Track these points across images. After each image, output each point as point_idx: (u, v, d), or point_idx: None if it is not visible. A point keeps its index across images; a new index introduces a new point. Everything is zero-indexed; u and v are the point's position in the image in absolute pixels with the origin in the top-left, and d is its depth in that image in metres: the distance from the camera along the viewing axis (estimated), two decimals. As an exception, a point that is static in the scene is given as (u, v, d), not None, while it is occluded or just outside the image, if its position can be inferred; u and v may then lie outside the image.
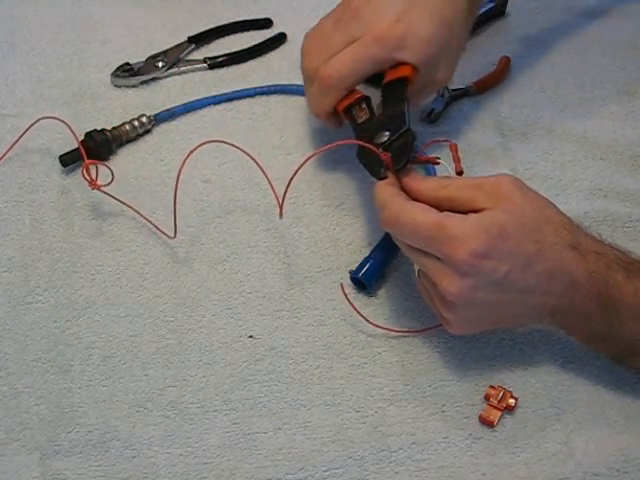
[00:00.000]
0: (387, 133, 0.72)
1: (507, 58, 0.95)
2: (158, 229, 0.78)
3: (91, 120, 0.88)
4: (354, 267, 0.76)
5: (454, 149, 0.77)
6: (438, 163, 0.73)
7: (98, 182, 0.77)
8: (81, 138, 0.85)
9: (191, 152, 0.75)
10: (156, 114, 0.89)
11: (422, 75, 0.76)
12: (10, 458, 0.66)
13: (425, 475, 0.65)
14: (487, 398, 0.68)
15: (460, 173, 0.76)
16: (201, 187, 0.84)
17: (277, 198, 0.74)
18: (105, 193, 0.77)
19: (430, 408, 0.68)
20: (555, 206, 0.67)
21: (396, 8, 0.75)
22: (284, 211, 0.74)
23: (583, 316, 0.65)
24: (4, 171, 0.84)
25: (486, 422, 0.67)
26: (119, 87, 0.93)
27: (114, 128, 0.86)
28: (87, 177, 0.77)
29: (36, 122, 0.83)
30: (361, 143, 0.72)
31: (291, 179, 0.71)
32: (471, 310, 0.65)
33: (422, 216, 0.64)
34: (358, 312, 0.72)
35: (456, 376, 0.70)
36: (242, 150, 0.76)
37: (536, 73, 0.94)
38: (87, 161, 0.77)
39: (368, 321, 0.72)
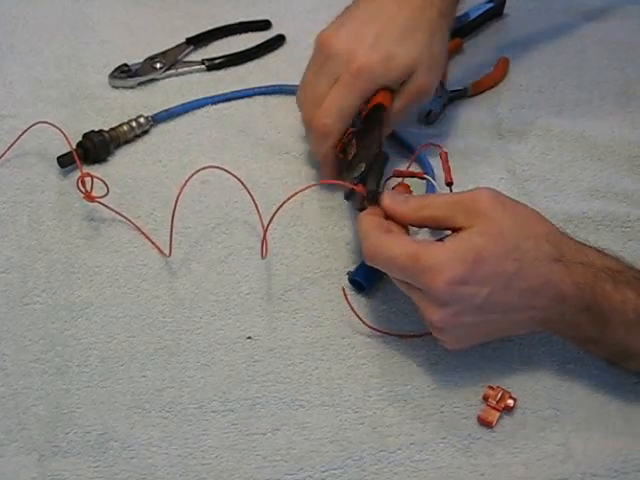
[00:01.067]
0: (362, 165, 0.72)
1: (505, 59, 0.95)
2: (154, 245, 0.78)
3: (89, 121, 0.88)
4: (352, 268, 0.76)
5: (444, 158, 0.78)
6: (424, 178, 0.74)
7: (93, 193, 0.77)
8: (79, 139, 0.85)
9: (187, 180, 0.75)
10: (154, 115, 0.89)
11: (404, 90, 0.77)
12: (8, 459, 0.65)
13: (424, 475, 0.65)
14: (486, 399, 0.68)
15: (449, 184, 0.77)
16: (199, 188, 0.84)
17: (263, 227, 0.74)
18: (101, 204, 0.77)
19: (429, 409, 0.68)
20: (537, 215, 0.66)
21: (367, 36, 0.75)
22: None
23: (573, 325, 0.65)
24: (2, 172, 0.84)
25: (485, 423, 0.67)
26: (117, 88, 0.93)
27: (112, 129, 0.86)
28: (82, 189, 0.77)
29: (31, 127, 0.83)
30: (333, 182, 0.75)
31: (272, 216, 0.72)
32: (460, 331, 0.66)
33: (398, 249, 0.64)
34: (357, 315, 0.72)
35: (455, 377, 0.70)
36: (236, 177, 0.76)
37: (534, 74, 0.94)
38: (82, 173, 0.77)
39: (365, 324, 0.72)
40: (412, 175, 0.76)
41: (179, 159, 0.87)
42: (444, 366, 0.71)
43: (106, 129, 0.86)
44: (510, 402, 0.68)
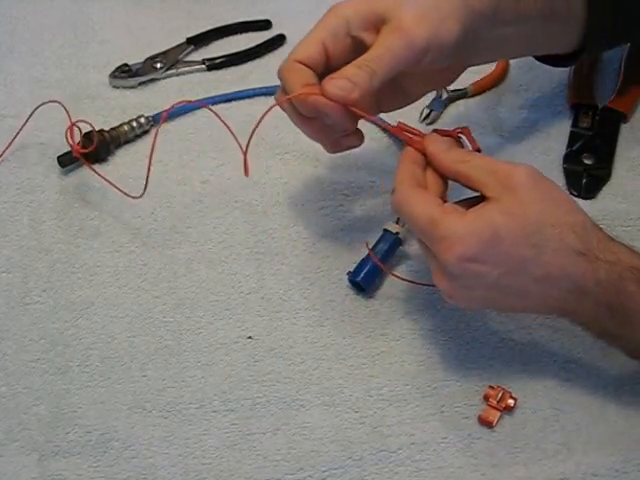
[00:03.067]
0: None
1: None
2: (120, 190, 0.78)
3: (89, 121, 0.88)
4: (352, 268, 0.76)
5: (467, 132, 0.74)
6: (460, 137, 0.70)
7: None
8: (79, 139, 0.85)
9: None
10: (154, 115, 0.89)
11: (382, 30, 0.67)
12: (9, 459, 0.65)
13: (424, 475, 0.65)
14: (486, 398, 0.68)
15: (479, 150, 0.73)
16: (199, 188, 0.84)
17: (241, 148, 0.72)
18: (85, 163, 0.77)
19: (429, 408, 0.68)
20: (572, 204, 0.64)
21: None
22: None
23: (593, 318, 0.63)
24: (2, 171, 0.84)
25: (485, 422, 0.67)
26: (117, 88, 0.93)
27: (112, 129, 0.86)
28: (70, 142, 0.76)
29: (36, 109, 0.83)
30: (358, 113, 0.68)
31: (251, 136, 0.71)
32: (470, 302, 0.65)
33: (421, 209, 0.63)
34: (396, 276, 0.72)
35: (455, 376, 0.70)
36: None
37: (534, 75, 0.94)
38: (71, 122, 0.76)
39: (395, 275, 0.73)
40: (449, 135, 0.72)
41: (179, 159, 0.86)
42: (444, 366, 0.71)
43: (107, 129, 0.86)
44: (511, 402, 0.68)
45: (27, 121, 0.84)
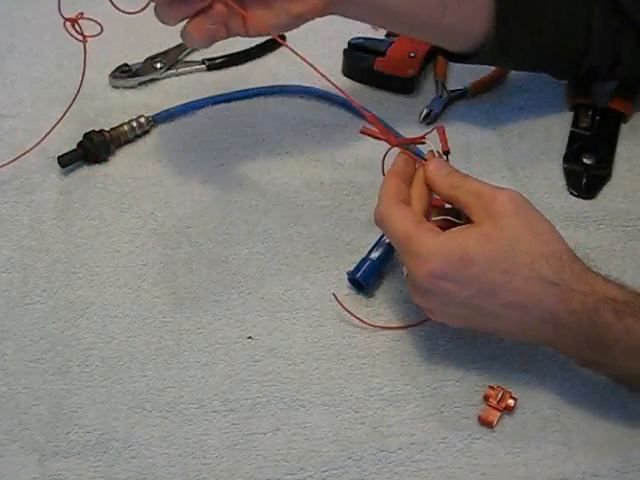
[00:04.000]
0: None
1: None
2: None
3: (90, 121, 0.88)
4: (352, 268, 0.76)
5: (441, 132, 0.75)
6: (424, 142, 0.72)
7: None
8: (80, 139, 0.85)
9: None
10: (154, 115, 0.89)
11: None
12: (9, 459, 0.65)
13: (424, 475, 0.65)
14: (486, 398, 0.68)
15: (447, 152, 0.75)
16: (200, 188, 0.84)
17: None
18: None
19: (429, 408, 0.68)
20: (551, 233, 0.65)
21: None
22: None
23: (574, 348, 0.64)
24: (2, 171, 0.84)
25: (485, 422, 0.67)
26: (118, 88, 0.93)
27: (113, 129, 0.86)
28: (77, 31, 0.74)
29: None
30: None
31: None
32: (449, 318, 0.68)
33: (399, 224, 0.66)
34: (353, 315, 0.72)
35: (455, 376, 0.70)
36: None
37: (534, 75, 0.94)
38: (75, 16, 0.74)
39: (365, 322, 0.72)
40: (413, 141, 0.73)
41: (179, 159, 0.87)
42: (444, 366, 0.71)
43: (107, 129, 0.86)
44: (511, 402, 0.68)
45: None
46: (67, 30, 0.74)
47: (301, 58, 0.71)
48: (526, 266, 0.62)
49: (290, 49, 0.71)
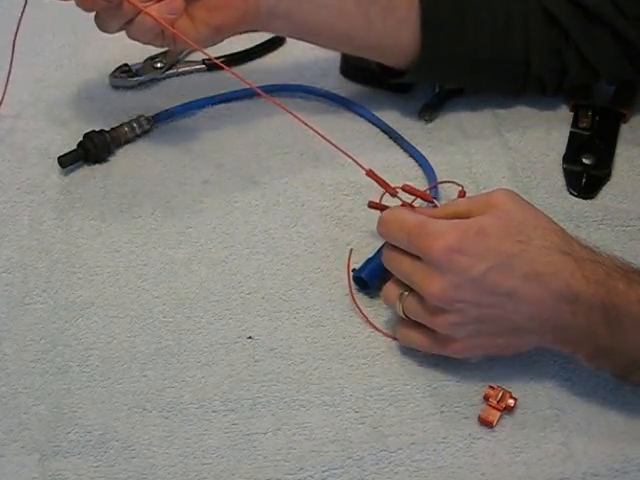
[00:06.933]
0: None
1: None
2: None
3: (90, 121, 0.88)
4: (356, 266, 0.76)
5: (462, 195, 0.77)
6: (432, 202, 0.74)
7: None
8: (80, 139, 0.85)
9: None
10: (155, 115, 0.89)
11: None
12: (9, 459, 0.65)
13: (424, 475, 0.65)
14: (486, 398, 0.68)
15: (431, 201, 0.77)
16: (200, 188, 0.84)
17: None
18: None
19: (429, 408, 0.68)
20: (548, 217, 0.66)
21: None
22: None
23: (587, 331, 0.63)
24: (3, 171, 0.84)
25: (485, 422, 0.67)
26: (118, 88, 0.93)
27: (113, 129, 0.86)
28: None
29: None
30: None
31: None
32: (463, 317, 0.65)
33: (411, 216, 0.67)
34: (364, 315, 0.73)
35: (455, 376, 0.70)
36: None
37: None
38: None
39: (375, 327, 0.73)
40: (422, 197, 0.75)
41: (179, 159, 0.87)
42: (444, 366, 0.71)
43: (107, 129, 0.86)
44: (511, 402, 0.68)
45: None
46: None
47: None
48: (538, 237, 0.63)
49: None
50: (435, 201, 0.73)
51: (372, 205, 0.74)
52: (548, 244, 0.63)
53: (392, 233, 0.68)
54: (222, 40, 0.80)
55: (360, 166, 0.72)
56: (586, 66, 0.86)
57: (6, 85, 0.84)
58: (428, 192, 0.76)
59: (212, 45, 0.79)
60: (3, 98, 0.79)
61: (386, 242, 0.70)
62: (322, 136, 0.73)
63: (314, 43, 0.85)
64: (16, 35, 0.80)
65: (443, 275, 0.63)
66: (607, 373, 0.69)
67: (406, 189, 0.74)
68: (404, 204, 0.72)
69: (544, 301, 0.63)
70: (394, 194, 0.73)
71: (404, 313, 0.68)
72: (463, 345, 0.67)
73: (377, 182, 0.73)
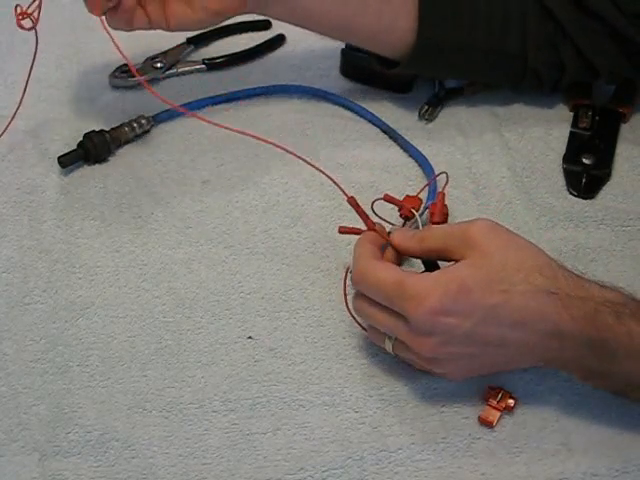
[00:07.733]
0: None
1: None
2: None
3: (90, 121, 0.88)
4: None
5: (440, 198, 0.77)
6: (413, 215, 0.74)
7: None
8: (80, 139, 0.85)
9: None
10: (155, 115, 0.89)
11: None
12: (9, 459, 0.65)
13: (424, 475, 0.65)
14: (486, 399, 0.68)
15: (436, 223, 0.77)
16: (200, 188, 0.84)
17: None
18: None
19: (429, 408, 0.68)
20: (534, 248, 0.65)
21: None
22: None
23: (577, 361, 0.63)
24: (2, 171, 0.84)
25: (485, 422, 0.67)
26: (118, 88, 0.93)
27: (113, 129, 0.86)
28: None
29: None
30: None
31: None
32: (457, 362, 0.65)
33: (385, 274, 0.64)
34: (355, 320, 0.72)
35: (455, 376, 0.70)
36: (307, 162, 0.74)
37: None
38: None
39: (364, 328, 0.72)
40: (407, 216, 0.76)
41: (179, 159, 0.87)
42: (445, 366, 0.71)
43: (107, 129, 0.86)
44: (511, 402, 0.68)
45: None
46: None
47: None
48: (521, 281, 0.62)
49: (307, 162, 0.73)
50: (416, 214, 0.73)
51: (342, 231, 0.73)
52: (532, 288, 0.62)
53: (369, 291, 0.66)
54: (222, 22, 0.81)
55: (343, 192, 0.70)
56: (584, 62, 0.86)
57: (24, 89, 0.84)
58: (416, 196, 0.77)
59: (211, 27, 0.81)
60: (22, 99, 0.80)
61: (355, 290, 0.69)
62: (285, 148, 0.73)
63: (312, 30, 0.85)
64: (36, 43, 0.79)
65: (431, 336, 0.62)
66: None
67: (387, 199, 0.74)
68: (376, 230, 0.70)
69: (533, 342, 0.63)
70: (372, 228, 0.70)
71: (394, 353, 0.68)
72: (454, 375, 0.67)
73: (357, 212, 0.70)
